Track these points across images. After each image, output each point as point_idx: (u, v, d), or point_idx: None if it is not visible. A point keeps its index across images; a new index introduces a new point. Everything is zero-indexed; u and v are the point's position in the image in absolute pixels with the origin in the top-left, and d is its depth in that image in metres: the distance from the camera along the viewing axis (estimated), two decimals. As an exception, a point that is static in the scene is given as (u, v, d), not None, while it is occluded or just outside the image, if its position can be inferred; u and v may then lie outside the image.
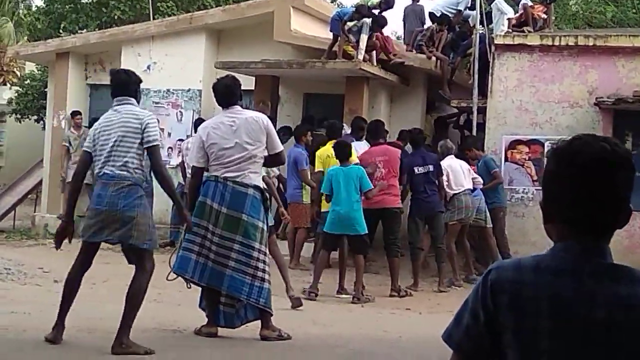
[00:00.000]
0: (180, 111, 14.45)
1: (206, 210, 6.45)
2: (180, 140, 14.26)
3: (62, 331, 6.14)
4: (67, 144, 14.90)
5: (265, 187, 7.09)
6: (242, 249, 6.44)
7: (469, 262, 11.01)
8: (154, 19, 16.22)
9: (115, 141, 6.00)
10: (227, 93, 6.72)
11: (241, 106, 6.90)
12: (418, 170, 10.11)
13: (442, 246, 10.31)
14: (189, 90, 14.39)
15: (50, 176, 15.43)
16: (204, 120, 11.62)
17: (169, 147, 14.48)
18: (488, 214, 11.09)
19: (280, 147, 6.83)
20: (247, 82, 13.16)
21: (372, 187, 9.16)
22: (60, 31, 20.12)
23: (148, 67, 14.59)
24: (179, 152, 14.01)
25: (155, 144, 6.06)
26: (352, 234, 9.09)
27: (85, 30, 19.61)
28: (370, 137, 10.48)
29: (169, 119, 14.47)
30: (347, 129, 12.08)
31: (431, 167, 10.17)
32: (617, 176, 1.89)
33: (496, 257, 11.07)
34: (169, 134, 14.50)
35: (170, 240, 13.24)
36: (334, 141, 9.78)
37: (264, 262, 6.56)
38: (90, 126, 15.02)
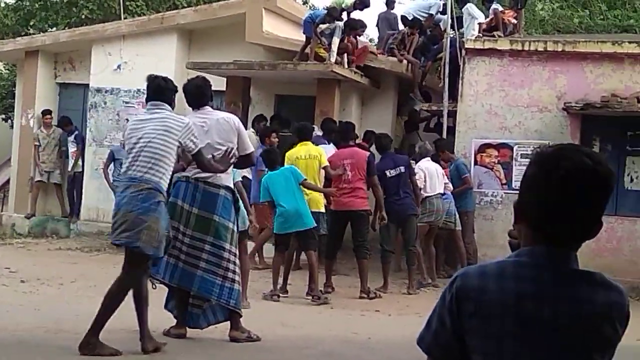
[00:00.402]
0: (150, 111, 14.35)
1: (177, 211, 6.43)
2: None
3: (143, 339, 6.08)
4: (37, 143, 14.79)
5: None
6: (213, 250, 6.44)
7: (432, 266, 11.03)
8: (123, 18, 16.11)
9: (144, 144, 5.95)
10: (197, 94, 6.70)
11: (212, 107, 6.89)
12: (390, 174, 10.12)
13: (414, 249, 10.34)
14: (159, 90, 14.29)
15: (18, 175, 15.28)
16: None
17: (139, 147, 14.39)
18: (458, 217, 11.20)
19: (250, 147, 6.84)
20: (219, 83, 13.12)
21: (306, 178, 9.15)
22: (29, 28, 19.91)
23: (118, 67, 14.51)
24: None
25: (197, 150, 6.09)
26: (301, 229, 9.04)
27: (54, 28, 19.43)
28: (340, 139, 10.49)
29: (139, 119, 14.36)
30: (318, 131, 12.10)
31: (402, 169, 10.17)
32: (595, 192, 1.92)
33: (464, 260, 11.17)
34: (139, 134, 14.40)
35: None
36: (303, 143, 9.78)
37: (234, 263, 6.57)
38: (59, 125, 14.96)
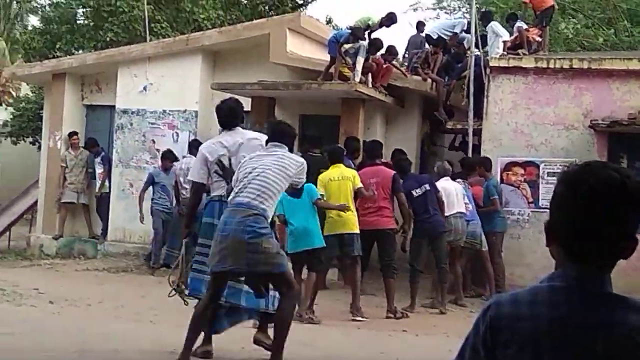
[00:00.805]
0: (176, 132, 14.48)
1: (213, 230, 6.48)
2: (176, 161, 14.26)
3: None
4: (64, 164, 14.94)
5: None
6: None
7: (459, 286, 10.92)
8: (148, 40, 16.26)
9: (257, 174, 6.05)
10: (230, 115, 6.80)
11: (243, 127, 6.96)
12: (416, 193, 10.10)
13: (445, 266, 10.29)
14: (185, 111, 14.43)
15: (45, 197, 15.41)
16: (198, 141, 11.67)
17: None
18: (484, 237, 11.07)
19: None
20: (244, 103, 13.16)
21: (320, 197, 9.05)
22: (56, 51, 20.16)
23: (144, 88, 14.64)
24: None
25: (299, 186, 6.30)
26: (308, 247, 8.91)
27: (81, 51, 19.66)
28: (367, 157, 10.49)
29: (164, 139, 14.49)
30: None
31: (427, 186, 10.18)
32: (623, 207, 1.89)
33: (492, 281, 11.07)
34: (165, 155, 14.49)
35: (164, 262, 13.22)
36: (336, 165, 9.73)
37: None
38: (86, 146, 15.09)
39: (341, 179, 9.49)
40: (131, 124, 14.73)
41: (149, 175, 13.43)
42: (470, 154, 12.56)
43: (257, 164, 6.12)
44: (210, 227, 6.44)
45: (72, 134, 15.02)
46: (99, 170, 14.91)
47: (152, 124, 14.62)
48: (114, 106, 14.92)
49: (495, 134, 12.26)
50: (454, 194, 10.71)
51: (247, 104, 13.14)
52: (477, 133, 12.60)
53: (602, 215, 1.88)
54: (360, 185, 9.52)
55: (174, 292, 6.70)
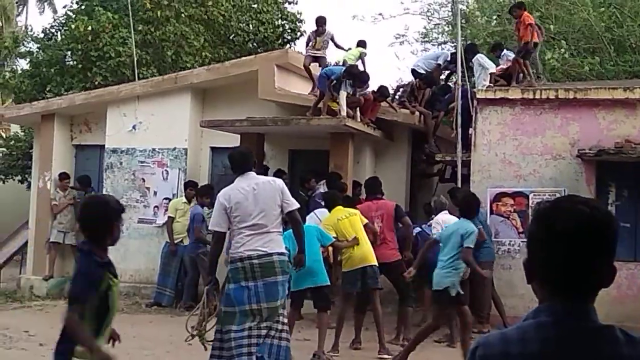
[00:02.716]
0: (165, 170, 14.50)
1: (251, 315, 6.57)
2: (166, 199, 14.28)
3: None
4: (57, 203, 14.90)
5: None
6: (283, 327, 6.78)
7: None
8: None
9: None
10: (242, 160, 6.98)
11: (256, 172, 7.19)
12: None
13: None
14: (174, 149, 14.46)
15: (35, 237, 15.33)
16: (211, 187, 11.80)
17: (155, 206, 14.48)
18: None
19: (295, 204, 6.98)
20: (233, 140, 13.23)
21: (333, 240, 9.14)
22: (46, 93, 20.18)
23: (133, 127, 14.67)
24: (165, 210, 14.01)
25: None
26: (312, 285, 8.87)
27: (70, 92, 19.69)
28: (367, 192, 10.58)
29: (154, 177, 14.50)
30: (323, 187, 12.22)
31: (419, 228, 10.49)
32: (595, 240, 1.92)
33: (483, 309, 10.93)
34: (155, 193, 14.52)
35: (155, 301, 13.19)
36: (337, 209, 9.71)
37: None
38: (80, 184, 15.00)
39: (349, 215, 9.50)
40: (121, 163, 14.74)
41: (199, 216, 12.84)
42: (459, 186, 12.58)
43: None
44: (247, 313, 6.56)
45: (62, 176, 14.99)
46: (89, 209, 14.84)
47: (142, 162, 14.63)
48: (103, 146, 14.95)
49: (484, 165, 12.31)
50: None
51: (236, 140, 13.23)
52: (466, 164, 12.64)
53: (579, 249, 1.90)
54: (366, 221, 9.59)
55: (191, 337, 6.76)
